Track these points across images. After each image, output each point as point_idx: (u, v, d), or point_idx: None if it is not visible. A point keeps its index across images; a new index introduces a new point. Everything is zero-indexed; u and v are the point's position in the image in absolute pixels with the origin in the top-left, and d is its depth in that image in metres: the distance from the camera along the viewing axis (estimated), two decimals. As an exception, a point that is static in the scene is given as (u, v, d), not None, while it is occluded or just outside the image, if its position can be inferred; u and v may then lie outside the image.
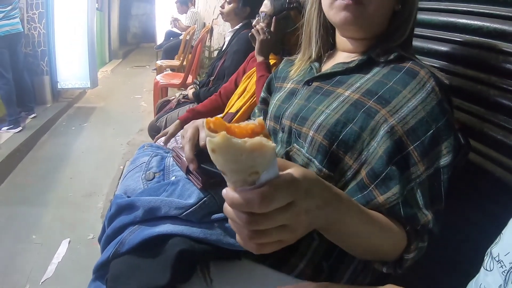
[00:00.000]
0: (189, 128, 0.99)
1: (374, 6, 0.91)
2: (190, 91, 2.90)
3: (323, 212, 0.62)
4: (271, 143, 0.47)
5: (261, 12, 1.97)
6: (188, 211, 0.92)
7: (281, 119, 1.05)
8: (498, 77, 1.02)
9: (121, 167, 3.64)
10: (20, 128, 4.31)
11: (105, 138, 4.45)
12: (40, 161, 3.90)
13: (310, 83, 1.04)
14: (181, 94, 2.92)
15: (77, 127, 4.98)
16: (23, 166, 3.76)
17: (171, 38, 7.44)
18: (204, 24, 6.71)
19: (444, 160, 0.84)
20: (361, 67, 0.97)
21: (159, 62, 5.92)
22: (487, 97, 1.04)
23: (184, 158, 0.97)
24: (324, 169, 0.90)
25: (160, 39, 8.69)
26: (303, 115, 0.97)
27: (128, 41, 14.19)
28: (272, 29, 1.91)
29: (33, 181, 3.45)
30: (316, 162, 0.91)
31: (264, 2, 1.98)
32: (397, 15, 0.98)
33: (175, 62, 5.85)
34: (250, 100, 2.02)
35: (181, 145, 1.03)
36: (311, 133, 0.92)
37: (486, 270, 0.61)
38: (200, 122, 0.99)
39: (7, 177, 3.49)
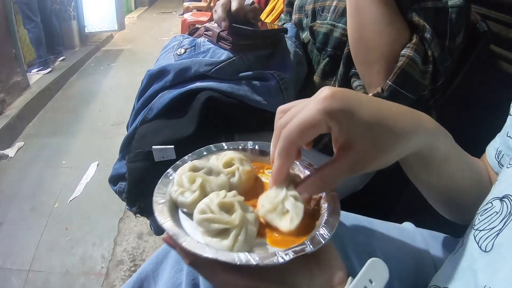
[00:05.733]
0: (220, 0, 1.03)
1: None
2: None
3: None
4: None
5: None
6: (218, 66, 0.94)
7: (304, 6, 1.10)
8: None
9: (149, 98, 3.61)
10: (49, 69, 4.37)
11: (134, 75, 4.44)
12: (70, 98, 3.97)
13: None
14: (210, 23, 2.87)
15: (105, 67, 5.01)
16: (54, 103, 3.83)
17: None
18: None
19: (453, 1, 0.81)
20: None
21: (186, 4, 5.86)
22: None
23: (215, 29, 1.03)
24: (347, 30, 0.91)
25: None
26: None
27: (154, -10, 14.02)
28: None
29: (63, 115, 3.52)
30: (340, 24, 0.95)
31: None
32: None
33: (202, 3, 5.77)
34: (276, 19, 2.00)
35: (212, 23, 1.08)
36: (334, 2, 0.97)
37: None
38: None
39: (38, 113, 3.57)
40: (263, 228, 0.51)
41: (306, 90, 1.05)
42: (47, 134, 3.16)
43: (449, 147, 0.53)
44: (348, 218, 0.71)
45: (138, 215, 0.95)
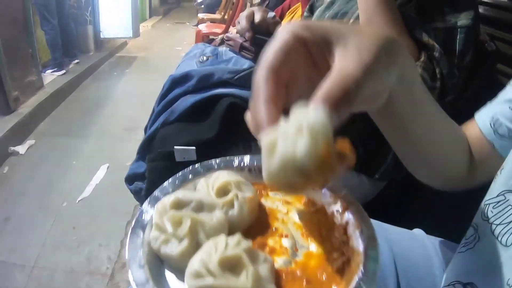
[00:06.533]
0: (245, 12, 1.13)
1: None
2: (234, 30, 2.90)
3: None
4: None
5: None
6: (240, 74, 0.99)
7: None
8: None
9: (161, 106, 3.65)
10: (63, 71, 4.43)
11: (146, 82, 4.50)
12: (82, 100, 4.03)
13: None
14: (225, 34, 2.93)
15: (118, 73, 5.08)
16: (66, 105, 3.89)
17: None
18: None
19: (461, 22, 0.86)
20: None
21: (201, 15, 5.95)
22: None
23: (237, 40, 1.11)
24: None
25: None
26: (344, 11, 1.06)
27: (168, 0, 14.18)
28: None
29: (75, 117, 3.57)
30: None
31: None
32: None
33: (216, 16, 5.85)
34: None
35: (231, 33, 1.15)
36: (351, 21, 1.01)
37: None
38: (255, 7, 1.13)
39: (51, 113, 3.62)
40: (282, 278, 0.40)
41: None
42: (58, 134, 3.20)
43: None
44: None
45: None
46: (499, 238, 0.47)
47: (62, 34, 4.55)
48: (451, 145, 0.59)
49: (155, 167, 0.96)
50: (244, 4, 5.06)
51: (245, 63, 1.06)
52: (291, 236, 0.46)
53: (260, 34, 1.07)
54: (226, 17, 5.35)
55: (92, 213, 2.14)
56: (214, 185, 0.48)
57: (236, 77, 1.00)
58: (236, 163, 0.56)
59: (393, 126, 0.55)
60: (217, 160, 0.56)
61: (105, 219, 2.09)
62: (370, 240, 0.42)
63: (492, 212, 0.49)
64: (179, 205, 0.43)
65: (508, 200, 0.48)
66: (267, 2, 2.82)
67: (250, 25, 1.08)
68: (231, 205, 0.46)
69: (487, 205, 0.50)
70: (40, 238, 1.98)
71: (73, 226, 2.04)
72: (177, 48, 6.53)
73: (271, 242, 0.45)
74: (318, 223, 0.48)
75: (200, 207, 0.44)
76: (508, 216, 0.47)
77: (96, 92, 4.31)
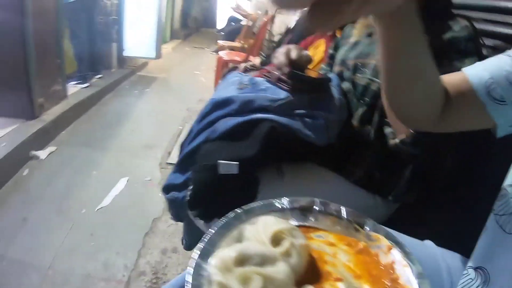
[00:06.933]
0: (282, 48, 1.22)
1: None
2: (257, 60, 3.05)
3: None
4: None
5: None
6: (278, 102, 1.10)
7: (346, 61, 1.28)
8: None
9: (180, 127, 3.78)
10: (87, 84, 4.56)
11: (166, 103, 4.64)
12: (103, 114, 4.13)
13: (371, 35, 1.26)
14: (248, 63, 3.06)
15: (139, 91, 5.20)
16: (87, 117, 3.99)
17: (232, 23, 7.71)
18: (267, 12, 6.89)
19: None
20: None
21: (221, 42, 6.10)
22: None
23: (274, 72, 1.20)
24: None
25: (220, 23, 9.02)
26: (367, 52, 1.19)
27: (188, 25, 14.49)
28: None
29: (96, 129, 3.67)
30: (377, 79, 1.12)
31: None
32: None
33: (236, 44, 6.01)
34: (316, 67, 2.14)
35: (254, 62, 1.22)
36: (373, 61, 1.15)
37: None
38: (291, 45, 1.23)
39: (72, 123, 3.72)
40: None
41: (345, 131, 1.19)
42: (79, 144, 3.28)
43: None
44: None
45: (198, 218, 1.08)
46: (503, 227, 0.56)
47: (88, 49, 4.69)
48: (435, 77, 0.65)
49: (200, 178, 1.05)
50: (265, 35, 5.23)
51: (282, 93, 1.15)
52: (345, 279, 0.47)
53: (295, 69, 1.17)
54: (245, 45, 5.50)
55: (110, 222, 2.20)
56: (266, 233, 0.47)
57: (275, 105, 1.11)
58: (277, 205, 0.57)
59: (399, 50, 0.61)
60: (259, 204, 0.57)
61: (123, 229, 2.14)
62: (421, 277, 0.45)
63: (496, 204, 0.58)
64: (241, 261, 0.42)
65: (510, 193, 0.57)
66: (290, 36, 2.94)
67: (288, 61, 1.17)
68: (288, 254, 0.46)
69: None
70: (57, 241, 2.03)
71: (90, 233, 2.09)
72: (196, 72, 6.70)
73: (328, 287, 0.46)
74: (365, 263, 0.50)
75: (263, 260, 0.43)
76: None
77: (116, 107, 4.43)
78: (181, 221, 1.32)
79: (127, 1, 6.00)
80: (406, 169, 1.13)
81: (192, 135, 1.20)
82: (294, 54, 1.18)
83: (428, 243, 0.83)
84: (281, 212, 0.56)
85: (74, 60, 4.63)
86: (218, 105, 1.16)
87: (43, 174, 2.71)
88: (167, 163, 2.97)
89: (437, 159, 1.14)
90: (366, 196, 1.15)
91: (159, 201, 2.39)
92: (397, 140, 1.05)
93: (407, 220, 1.17)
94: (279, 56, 1.20)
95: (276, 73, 1.21)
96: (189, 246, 1.51)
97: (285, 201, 0.57)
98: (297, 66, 1.18)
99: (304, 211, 0.56)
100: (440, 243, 0.83)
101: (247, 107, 1.12)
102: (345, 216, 0.56)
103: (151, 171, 2.82)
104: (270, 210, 0.56)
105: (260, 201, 0.58)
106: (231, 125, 1.07)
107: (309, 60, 1.25)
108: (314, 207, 0.56)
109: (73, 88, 4.33)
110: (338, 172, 1.16)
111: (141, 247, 2.01)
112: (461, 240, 0.75)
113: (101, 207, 2.33)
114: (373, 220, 0.59)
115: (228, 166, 0.99)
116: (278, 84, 1.19)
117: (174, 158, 3.00)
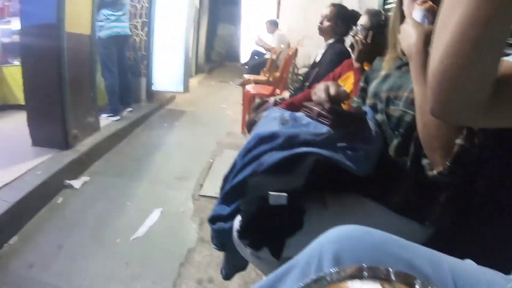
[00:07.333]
0: (321, 85, 1.28)
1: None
2: (286, 94, 3.12)
3: None
4: None
5: (359, 25, 2.19)
6: (321, 136, 1.16)
7: (379, 94, 1.33)
8: None
9: (211, 160, 3.82)
10: (118, 117, 4.73)
11: (195, 136, 4.73)
12: (135, 146, 4.24)
13: (401, 68, 1.31)
14: (277, 96, 3.15)
15: (169, 124, 5.33)
16: (119, 148, 4.11)
17: (256, 56, 7.88)
18: (289, 45, 7.04)
19: None
20: None
21: (246, 76, 6.22)
22: None
23: (315, 108, 1.26)
24: None
25: (244, 57, 9.27)
26: (399, 85, 1.24)
27: (212, 59, 14.84)
28: (368, 41, 2.12)
29: (128, 161, 3.76)
30: (410, 111, 1.15)
31: (363, 17, 2.21)
32: None
33: (261, 77, 6.12)
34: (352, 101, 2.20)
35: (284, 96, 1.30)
36: (405, 94, 1.18)
37: None
38: (329, 82, 1.30)
39: (104, 154, 3.83)
40: None
41: (383, 161, 1.23)
42: (112, 175, 3.37)
43: None
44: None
45: (248, 247, 1.12)
46: None
47: (119, 83, 4.87)
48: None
49: (250, 209, 1.10)
50: (290, 68, 5.32)
51: (323, 128, 1.20)
52: None
53: (335, 104, 1.23)
54: (271, 79, 5.59)
55: (145, 252, 2.22)
56: None
57: (318, 139, 1.16)
58: (383, 273, 0.57)
59: None
60: (367, 269, 0.57)
61: (158, 258, 2.16)
62: None
63: None
64: None
65: None
66: (317, 69, 2.99)
67: (328, 97, 1.23)
68: None
69: None
70: (92, 268, 2.05)
71: (126, 261, 2.12)
72: (223, 106, 6.83)
73: None
74: None
75: None
76: None
77: (147, 140, 4.54)
78: (224, 250, 1.34)
79: (156, 38, 6.25)
80: (442, 194, 1.16)
81: (237, 169, 1.25)
82: (333, 91, 1.24)
83: (469, 261, 0.85)
84: (387, 281, 0.55)
85: (105, 94, 4.80)
86: (263, 140, 1.21)
87: (78, 203, 2.77)
88: (199, 195, 3.00)
89: (472, 183, 1.15)
90: (404, 222, 1.18)
91: (193, 232, 2.42)
92: (434, 172, 1.07)
93: (444, 243, 1.18)
94: (319, 92, 1.26)
95: (317, 108, 1.26)
96: (228, 276, 1.55)
97: (392, 273, 0.56)
98: (336, 101, 1.25)
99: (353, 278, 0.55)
100: (478, 263, 0.84)
101: (292, 141, 1.17)
102: (394, 279, 0.55)
103: (184, 202, 2.85)
104: (385, 279, 0.56)
105: (368, 268, 0.58)
106: (278, 159, 1.12)
107: (347, 96, 1.31)
108: (364, 272, 0.56)
109: (105, 120, 4.47)
110: (377, 200, 1.19)
111: (177, 277, 2.02)
112: (499, 260, 0.78)
113: (136, 237, 2.36)
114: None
115: (278, 197, 1.04)
116: (319, 119, 1.24)
117: (207, 190, 3.07)
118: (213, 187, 3.13)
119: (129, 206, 2.76)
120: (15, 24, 5.04)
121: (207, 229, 2.38)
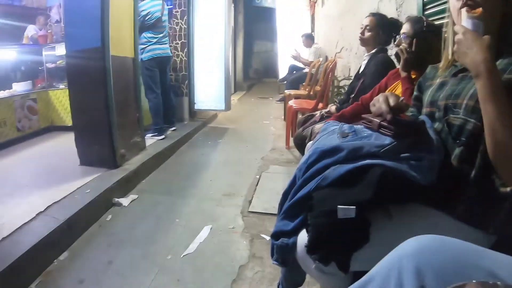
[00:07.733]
0: (380, 97, 1.28)
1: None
2: (332, 107, 3.10)
3: None
4: None
5: (402, 33, 2.17)
6: (386, 147, 1.16)
7: (436, 102, 1.32)
8: None
9: (257, 176, 3.80)
10: (163, 136, 4.82)
11: (240, 153, 4.74)
12: (181, 165, 4.29)
13: (457, 75, 1.30)
14: (323, 110, 3.13)
15: (213, 142, 5.37)
16: (166, 167, 4.16)
17: (294, 71, 7.92)
18: (326, 58, 7.02)
19: None
20: None
21: (287, 91, 6.22)
22: None
23: (375, 119, 1.27)
24: (478, 123, 1.12)
25: (281, 73, 9.40)
26: (457, 92, 1.23)
27: (250, 76, 14.99)
28: (413, 49, 2.10)
29: (175, 179, 3.79)
30: (471, 119, 1.15)
31: (405, 25, 2.19)
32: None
33: (302, 92, 6.12)
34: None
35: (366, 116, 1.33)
36: (465, 101, 1.18)
37: None
38: (387, 93, 1.30)
39: (151, 172, 3.89)
40: None
41: (445, 170, 1.20)
42: (159, 193, 3.39)
43: None
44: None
45: (317, 261, 1.10)
46: None
47: (163, 103, 4.95)
48: None
49: (318, 223, 1.09)
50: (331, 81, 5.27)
51: (386, 139, 1.20)
52: None
53: (395, 115, 1.22)
54: (311, 93, 5.57)
55: (196, 269, 2.19)
56: None
57: (382, 150, 1.16)
58: None
59: None
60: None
61: (210, 275, 2.13)
62: None
63: None
64: None
65: None
66: (362, 80, 2.94)
67: (389, 108, 1.22)
68: None
69: None
70: (143, 285, 2.04)
71: (177, 278, 2.10)
72: (265, 122, 6.85)
73: None
74: None
75: None
76: None
77: (193, 158, 4.58)
78: (285, 266, 1.31)
79: (196, 58, 6.38)
80: (506, 202, 1.13)
81: (298, 184, 1.24)
82: (393, 101, 1.23)
83: None
84: None
85: (149, 114, 4.91)
86: (326, 154, 1.21)
87: (126, 220, 2.80)
88: (248, 211, 2.96)
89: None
90: (468, 231, 1.15)
91: (244, 248, 2.38)
92: (507, 189, 1.09)
93: (507, 250, 1.14)
94: (378, 104, 1.26)
95: (377, 120, 1.26)
96: (284, 291, 1.51)
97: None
98: (396, 112, 1.23)
99: None
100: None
101: (355, 154, 1.18)
102: None
103: (233, 219, 2.83)
104: None
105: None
106: (343, 172, 1.12)
107: (407, 106, 1.30)
108: None
109: (150, 140, 4.56)
110: (441, 209, 1.18)
111: (230, 295, 1.99)
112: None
113: (187, 254, 2.34)
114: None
115: (346, 210, 1.04)
116: (381, 130, 1.24)
117: (256, 206, 3.04)
118: (262, 203, 3.10)
119: (178, 223, 2.76)
120: (59, 50, 5.27)
121: (258, 245, 2.35)
